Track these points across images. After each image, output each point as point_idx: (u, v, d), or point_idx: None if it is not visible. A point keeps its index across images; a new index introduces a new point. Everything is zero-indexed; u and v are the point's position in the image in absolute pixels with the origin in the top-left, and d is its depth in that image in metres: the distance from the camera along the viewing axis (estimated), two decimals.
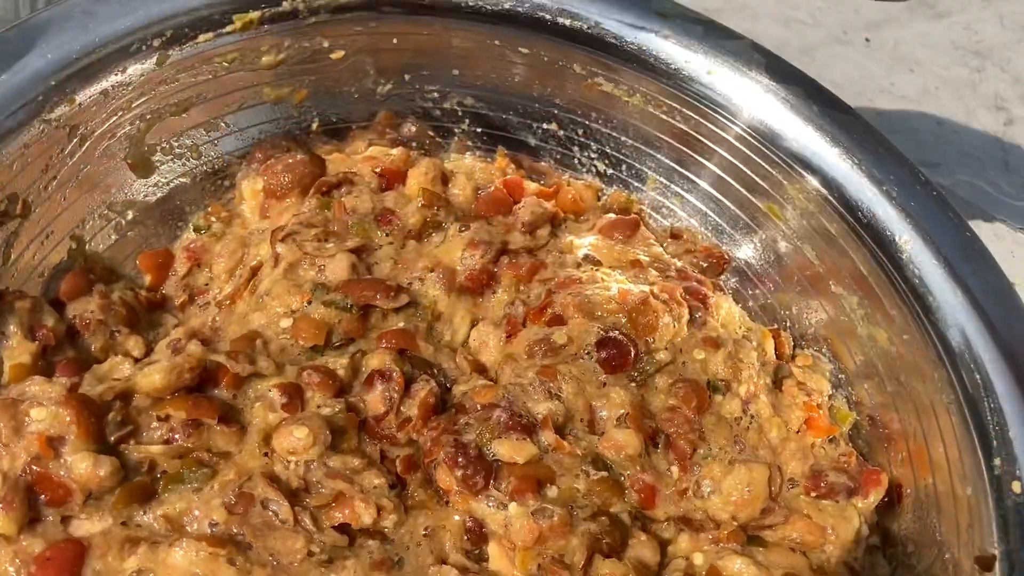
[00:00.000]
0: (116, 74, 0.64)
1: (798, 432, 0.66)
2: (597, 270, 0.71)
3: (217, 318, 0.68)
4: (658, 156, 0.77)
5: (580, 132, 0.78)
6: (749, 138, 0.71)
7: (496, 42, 0.73)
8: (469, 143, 0.80)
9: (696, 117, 0.73)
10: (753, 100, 0.70)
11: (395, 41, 0.73)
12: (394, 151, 0.76)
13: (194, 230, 0.72)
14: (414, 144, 0.79)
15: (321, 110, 0.75)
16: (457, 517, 0.59)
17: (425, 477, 0.60)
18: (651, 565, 0.59)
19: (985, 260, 0.64)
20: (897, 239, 0.65)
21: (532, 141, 0.80)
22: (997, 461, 0.57)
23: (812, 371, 0.69)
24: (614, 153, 0.78)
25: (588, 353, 0.65)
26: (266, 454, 0.58)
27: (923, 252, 0.64)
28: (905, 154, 0.92)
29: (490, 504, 0.58)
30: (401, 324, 0.66)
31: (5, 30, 0.61)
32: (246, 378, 0.59)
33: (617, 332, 0.65)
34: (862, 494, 0.65)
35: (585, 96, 0.75)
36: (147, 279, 0.70)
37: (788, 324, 0.74)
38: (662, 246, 0.76)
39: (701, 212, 0.77)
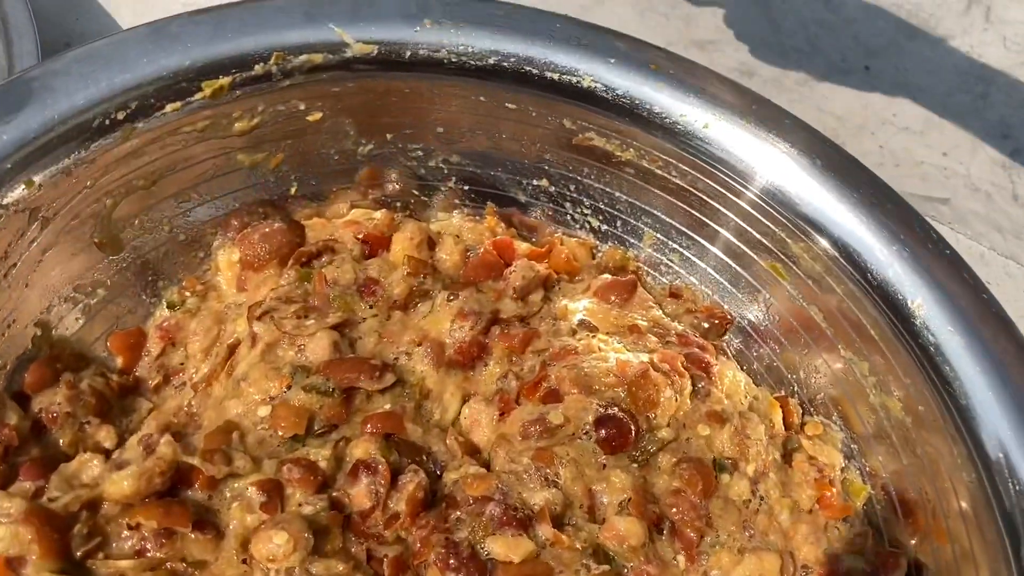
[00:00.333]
0: (78, 151, 0.60)
1: (810, 512, 0.63)
2: (594, 337, 0.68)
3: (193, 402, 0.64)
4: (655, 212, 0.73)
5: (572, 188, 0.74)
6: (750, 194, 0.67)
7: (482, 98, 0.70)
8: (456, 201, 0.77)
9: (693, 172, 0.69)
10: (753, 154, 0.67)
11: (376, 100, 0.69)
12: (377, 214, 0.73)
13: (168, 306, 0.69)
14: (398, 204, 0.76)
15: (300, 174, 0.72)
16: None
17: None
18: None
19: (1004, 324, 0.60)
20: (910, 303, 0.61)
21: (522, 197, 0.76)
22: None
23: (823, 442, 0.66)
24: (608, 209, 0.75)
25: (586, 433, 0.61)
26: (245, 561, 0.54)
27: (938, 317, 0.60)
28: (915, 207, 0.89)
29: None
30: (387, 406, 0.63)
31: None
32: (222, 478, 0.56)
33: (616, 409, 0.62)
34: None
35: (577, 151, 0.72)
36: (119, 361, 0.66)
37: (795, 388, 0.70)
38: (661, 306, 0.73)
39: (701, 270, 0.73)
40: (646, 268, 0.75)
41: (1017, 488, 0.55)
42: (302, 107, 0.68)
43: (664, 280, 0.75)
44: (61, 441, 0.60)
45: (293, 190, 0.72)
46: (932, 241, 0.64)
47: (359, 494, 0.57)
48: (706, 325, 0.72)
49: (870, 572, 0.61)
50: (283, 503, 0.56)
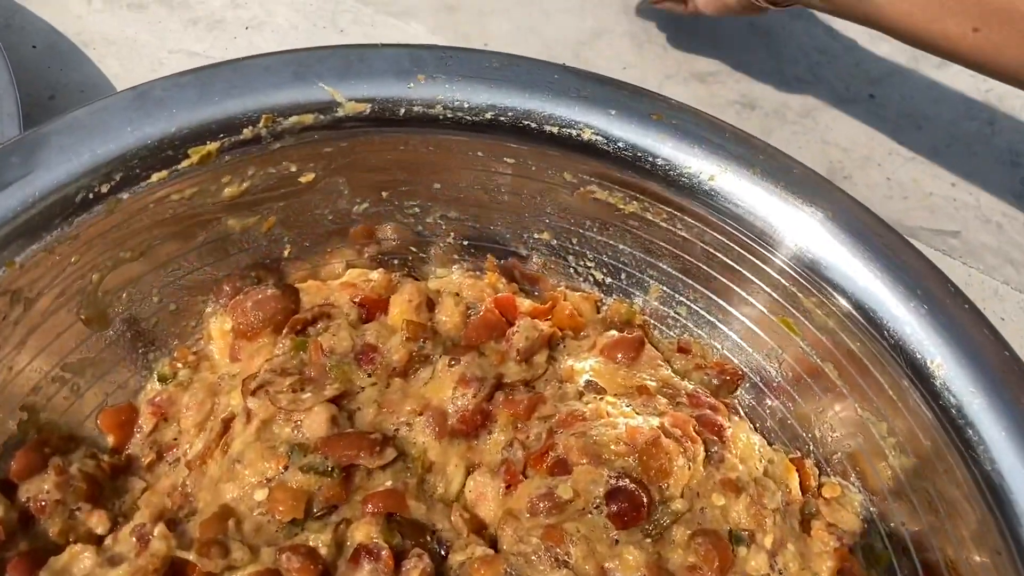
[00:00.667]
0: (61, 227, 0.58)
1: None
2: (601, 399, 0.65)
3: (188, 481, 0.62)
4: (660, 264, 0.71)
5: (574, 241, 0.72)
6: (758, 248, 0.65)
7: (479, 153, 0.68)
8: (455, 256, 0.74)
9: (699, 225, 0.67)
10: (761, 206, 0.64)
11: (370, 158, 0.67)
12: (374, 274, 0.71)
13: (159, 380, 0.66)
14: (395, 261, 0.73)
15: (293, 236, 0.69)
16: None
17: None
18: None
19: None
20: (929, 363, 0.59)
21: (523, 251, 0.74)
22: None
23: (841, 506, 0.63)
24: (612, 262, 0.72)
25: (597, 507, 0.59)
26: None
27: (959, 378, 0.58)
28: (926, 242, 0.87)
29: None
30: (388, 482, 0.60)
31: None
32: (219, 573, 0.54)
33: (628, 480, 0.59)
34: None
35: (578, 204, 0.70)
36: (110, 440, 0.64)
37: (811, 448, 0.68)
38: (670, 363, 0.70)
39: (709, 323, 0.71)
40: (653, 321, 0.73)
41: None
42: (294, 169, 0.65)
43: (672, 334, 0.73)
44: (51, 530, 0.57)
45: (286, 252, 0.70)
46: (950, 295, 0.61)
47: None
48: (716, 382, 0.70)
49: None
50: None
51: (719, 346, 0.71)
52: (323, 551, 0.56)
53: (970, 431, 0.57)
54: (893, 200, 0.95)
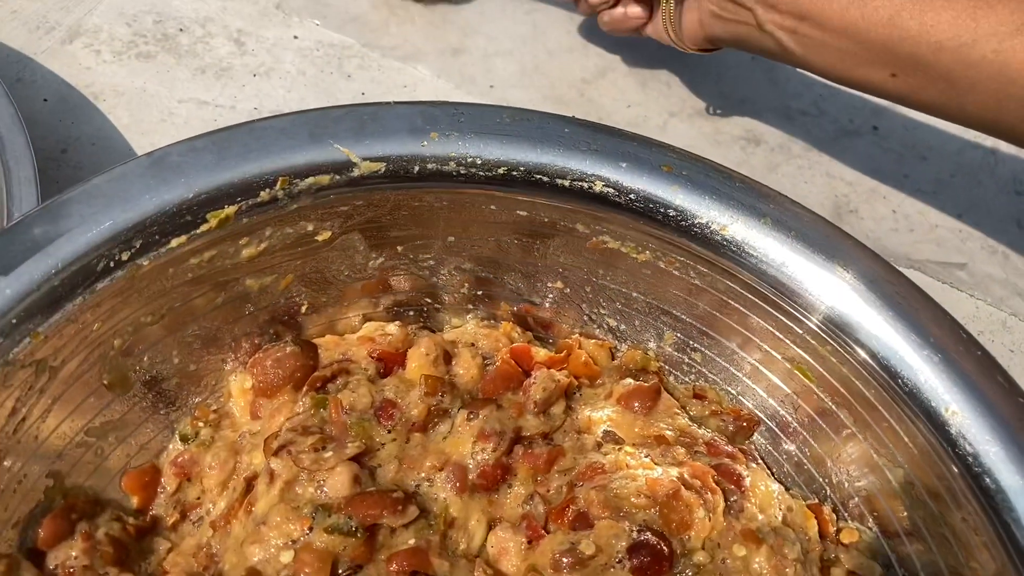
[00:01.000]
0: (83, 296, 0.58)
1: None
2: (620, 450, 0.66)
3: (212, 541, 0.63)
4: (674, 312, 0.72)
5: (588, 289, 0.73)
6: (770, 295, 0.66)
7: (492, 207, 0.68)
8: (469, 305, 0.75)
9: (712, 274, 0.68)
10: (772, 254, 0.65)
11: (385, 215, 0.68)
12: (391, 327, 0.71)
13: (181, 439, 0.67)
14: (411, 312, 0.74)
15: (310, 292, 0.70)
16: None
17: None
18: None
19: None
20: (944, 411, 0.59)
21: (536, 299, 0.74)
22: None
23: (860, 552, 0.64)
24: (626, 309, 0.73)
25: (619, 561, 0.59)
26: None
27: (974, 426, 0.59)
28: (933, 275, 0.87)
29: None
30: (411, 540, 0.61)
31: None
32: None
33: (649, 533, 0.60)
34: None
35: (591, 254, 0.70)
36: (134, 501, 0.64)
37: (827, 492, 0.68)
38: (686, 409, 0.71)
39: (724, 369, 0.72)
40: (668, 367, 0.74)
41: None
42: (311, 228, 0.66)
43: (687, 380, 0.74)
44: None
45: (304, 308, 0.71)
46: (963, 342, 0.62)
47: None
48: (732, 428, 0.70)
49: None
50: None
51: (734, 391, 0.72)
52: None
53: (987, 479, 0.57)
54: (899, 232, 0.95)
